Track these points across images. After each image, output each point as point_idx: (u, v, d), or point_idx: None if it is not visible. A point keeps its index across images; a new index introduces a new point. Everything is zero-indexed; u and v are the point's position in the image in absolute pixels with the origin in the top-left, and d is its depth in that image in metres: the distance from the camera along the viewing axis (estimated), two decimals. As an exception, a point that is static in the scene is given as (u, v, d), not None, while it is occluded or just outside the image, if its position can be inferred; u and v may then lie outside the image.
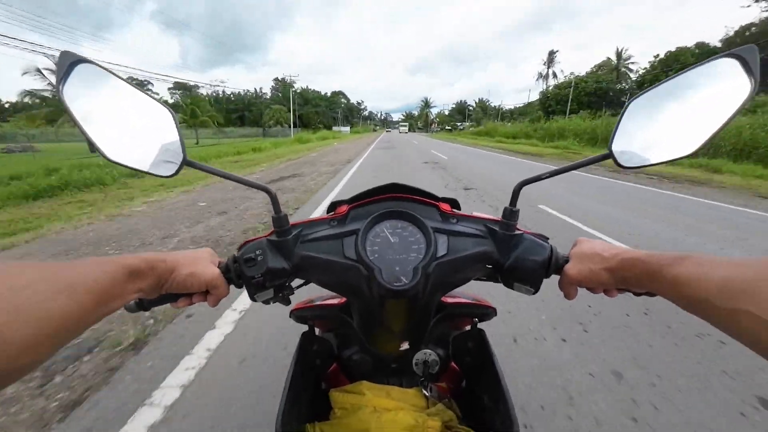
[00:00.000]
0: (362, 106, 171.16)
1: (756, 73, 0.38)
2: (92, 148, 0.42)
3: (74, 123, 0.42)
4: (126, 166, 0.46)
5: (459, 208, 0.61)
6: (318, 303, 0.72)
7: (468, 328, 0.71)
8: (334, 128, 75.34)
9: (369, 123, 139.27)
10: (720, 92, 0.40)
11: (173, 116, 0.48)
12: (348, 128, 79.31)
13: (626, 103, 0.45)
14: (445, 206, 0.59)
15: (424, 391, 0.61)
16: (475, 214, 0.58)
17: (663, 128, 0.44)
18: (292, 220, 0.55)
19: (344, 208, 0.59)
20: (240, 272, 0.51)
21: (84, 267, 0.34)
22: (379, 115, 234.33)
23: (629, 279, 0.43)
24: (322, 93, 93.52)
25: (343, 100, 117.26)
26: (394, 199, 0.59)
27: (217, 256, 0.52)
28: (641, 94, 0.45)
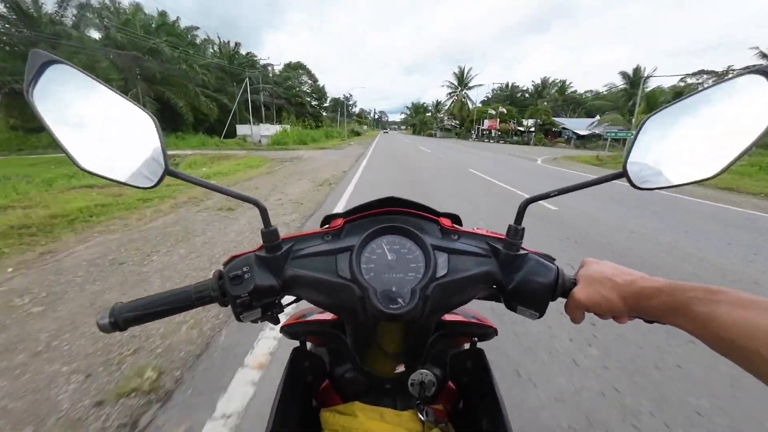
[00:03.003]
0: (350, 101, 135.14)
1: None
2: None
3: (45, 128, 0.39)
4: (101, 177, 0.44)
5: (460, 224, 0.61)
6: (310, 318, 0.72)
7: (467, 345, 0.69)
8: (242, 131, 30.80)
9: (351, 120, 78.61)
10: (745, 111, 0.38)
11: (155, 122, 0.46)
12: (272, 129, 29.83)
13: (643, 120, 0.45)
14: (446, 222, 0.58)
15: (420, 415, 0.59)
16: (478, 230, 0.58)
17: (682, 148, 0.43)
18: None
19: (339, 221, 0.58)
20: (225, 290, 0.50)
21: None
22: (371, 113, 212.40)
23: (646, 309, 0.41)
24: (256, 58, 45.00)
25: (306, 79, 74.19)
26: (392, 213, 0.58)
27: None
28: (659, 111, 0.44)
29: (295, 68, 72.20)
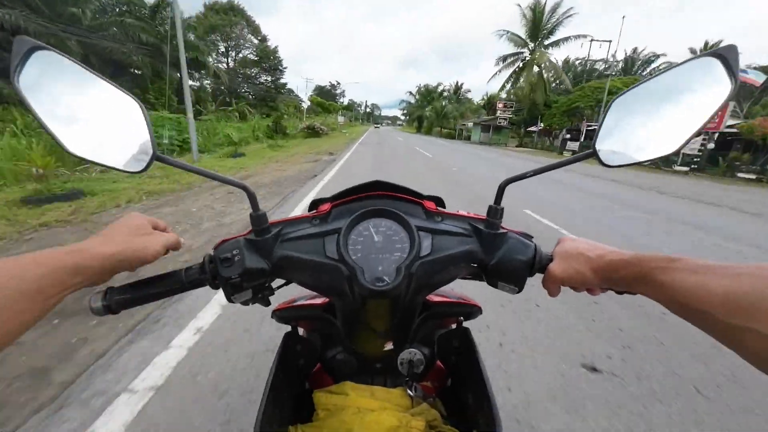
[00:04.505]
0: (337, 90, 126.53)
1: (736, 72, 0.41)
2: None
3: (32, 114, 0.43)
4: (90, 161, 0.48)
5: (444, 206, 0.68)
6: (301, 303, 0.79)
7: (454, 326, 0.78)
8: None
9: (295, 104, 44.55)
10: (701, 91, 0.44)
11: (142, 108, 0.50)
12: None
13: (610, 102, 0.50)
14: (430, 204, 0.64)
15: (409, 391, 0.66)
16: (460, 212, 0.64)
17: (646, 126, 0.48)
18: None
19: (327, 206, 0.64)
20: (216, 273, 0.54)
21: (5, 269, 0.35)
22: (363, 107, 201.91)
23: (615, 280, 0.47)
24: None
25: (249, 35, 47.30)
26: (378, 197, 0.64)
27: (150, 221, 0.54)
28: (624, 93, 0.50)
29: (222, 11, 38.06)
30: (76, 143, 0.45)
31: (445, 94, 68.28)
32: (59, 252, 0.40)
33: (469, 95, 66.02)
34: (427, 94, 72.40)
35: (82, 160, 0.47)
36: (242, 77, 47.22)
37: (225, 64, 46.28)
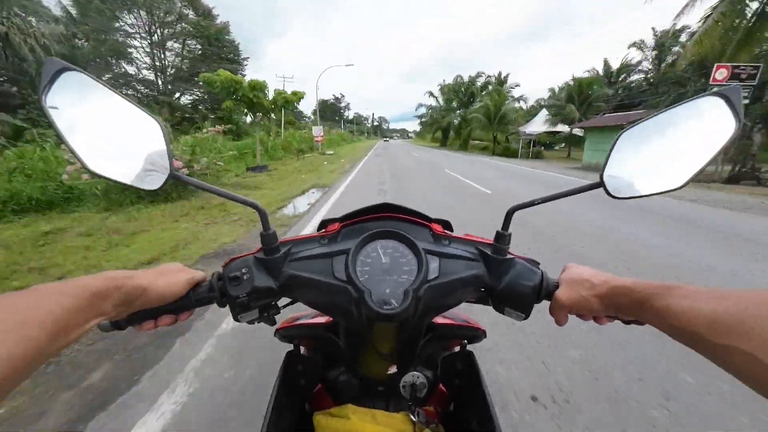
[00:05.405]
0: (342, 103, 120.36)
1: (740, 113, 0.45)
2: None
3: (56, 133, 0.47)
4: (109, 179, 0.55)
5: (452, 230, 0.75)
6: (304, 321, 0.85)
7: (457, 348, 0.85)
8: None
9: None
10: (706, 129, 0.48)
11: (162, 127, 0.57)
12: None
13: (618, 135, 0.58)
14: (438, 227, 0.72)
15: (411, 416, 0.69)
16: (468, 236, 0.72)
17: (652, 161, 0.54)
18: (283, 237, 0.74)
19: (336, 226, 0.70)
20: (224, 291, 0.61)
21: (36, 297, 0.35)
22: (370, 120, 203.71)
23: (618, 306, 0.54)
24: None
25: (190, 13, 35.01)
26: (386, 219, 0.70)
27: (187, 269, 0.64)
28: (632, 126, 0.57)
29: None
30: (96, 162, 0.50)
31: (487, 81, 53.33)
32: (79, 280, 0.41)
33: (516, 92, 47.16)
34: (461, 90, 53.05)
35: (101, 178, 0.49)
36: (173, 73, 29.45)
37: (149, 55, 28.74)
